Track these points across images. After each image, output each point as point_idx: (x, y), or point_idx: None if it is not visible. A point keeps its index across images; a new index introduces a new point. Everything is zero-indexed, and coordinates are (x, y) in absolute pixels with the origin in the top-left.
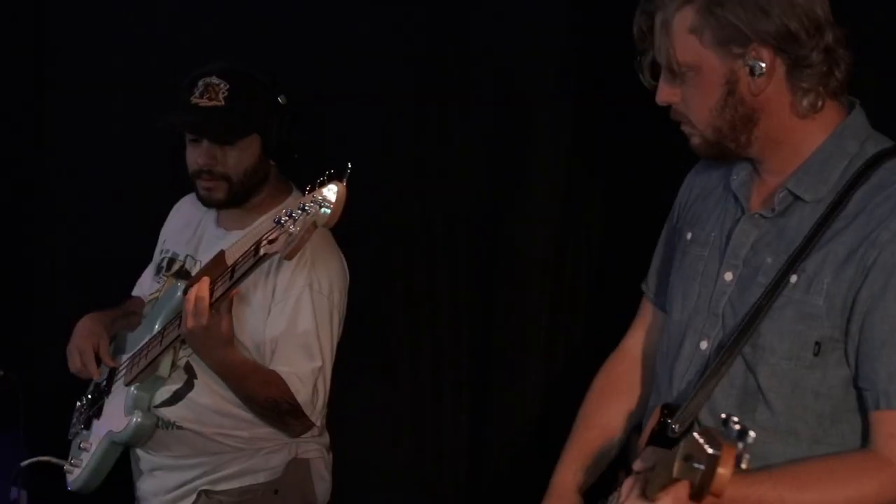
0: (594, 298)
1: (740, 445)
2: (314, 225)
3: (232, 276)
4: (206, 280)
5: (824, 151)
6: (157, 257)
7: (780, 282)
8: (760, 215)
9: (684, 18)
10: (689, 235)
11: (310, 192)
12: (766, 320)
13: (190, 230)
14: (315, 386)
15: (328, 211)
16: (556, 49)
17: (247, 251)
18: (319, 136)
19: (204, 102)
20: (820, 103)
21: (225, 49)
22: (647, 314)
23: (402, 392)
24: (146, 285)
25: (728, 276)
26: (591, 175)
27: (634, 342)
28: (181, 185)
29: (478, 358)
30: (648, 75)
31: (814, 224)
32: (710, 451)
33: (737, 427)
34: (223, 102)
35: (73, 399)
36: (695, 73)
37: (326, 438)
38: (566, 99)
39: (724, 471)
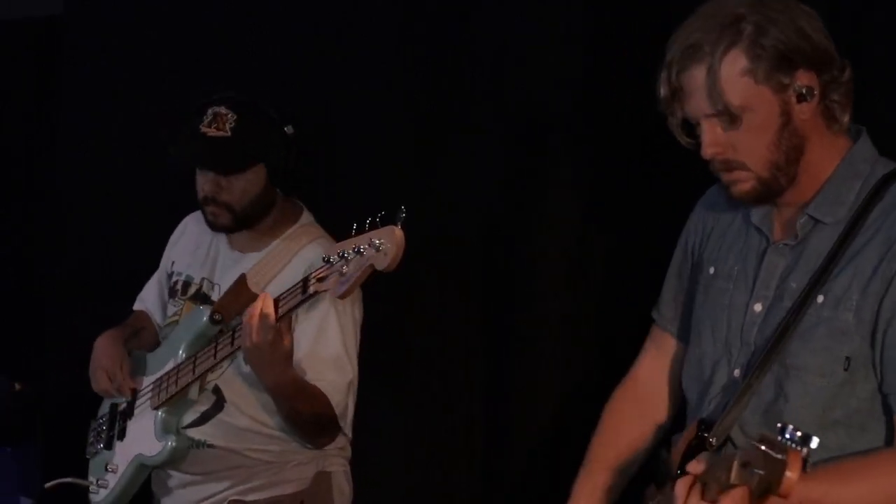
0: (609, 317)
1: (804, 450)
2: (372, 268)
3: (276, 311)
4: (269, 296)
5: (839, 175)
6: (165, 279)
7: (805, 301)
8: (785, 244)
9: (734, 61)
10: (711, 270)
11: (358, 233)
12: (798, 341)
13: (202, 252)
14: (347, 398)
15: (388, 255)
16: (573, 67)
17: (293, 287)
18: (331, 158)
19: (211, 132)
20: (847, 118)
21: (229, 73)
22: (661, 343)
23: (415, 408)
24: (150, 301)
25: (757, 307)
26: (605, 196)
27: (645, 371)
28: (191, 200)
29: (492, 376)
30: (684, 135)
31: (834, 243)
32: (777, 456)
33: (798, 433)
34: (229, 133)
35: (86, 412)
36: (751, 114)
37: (349, 452)
38: (582, 117)
39: (791, 474)
